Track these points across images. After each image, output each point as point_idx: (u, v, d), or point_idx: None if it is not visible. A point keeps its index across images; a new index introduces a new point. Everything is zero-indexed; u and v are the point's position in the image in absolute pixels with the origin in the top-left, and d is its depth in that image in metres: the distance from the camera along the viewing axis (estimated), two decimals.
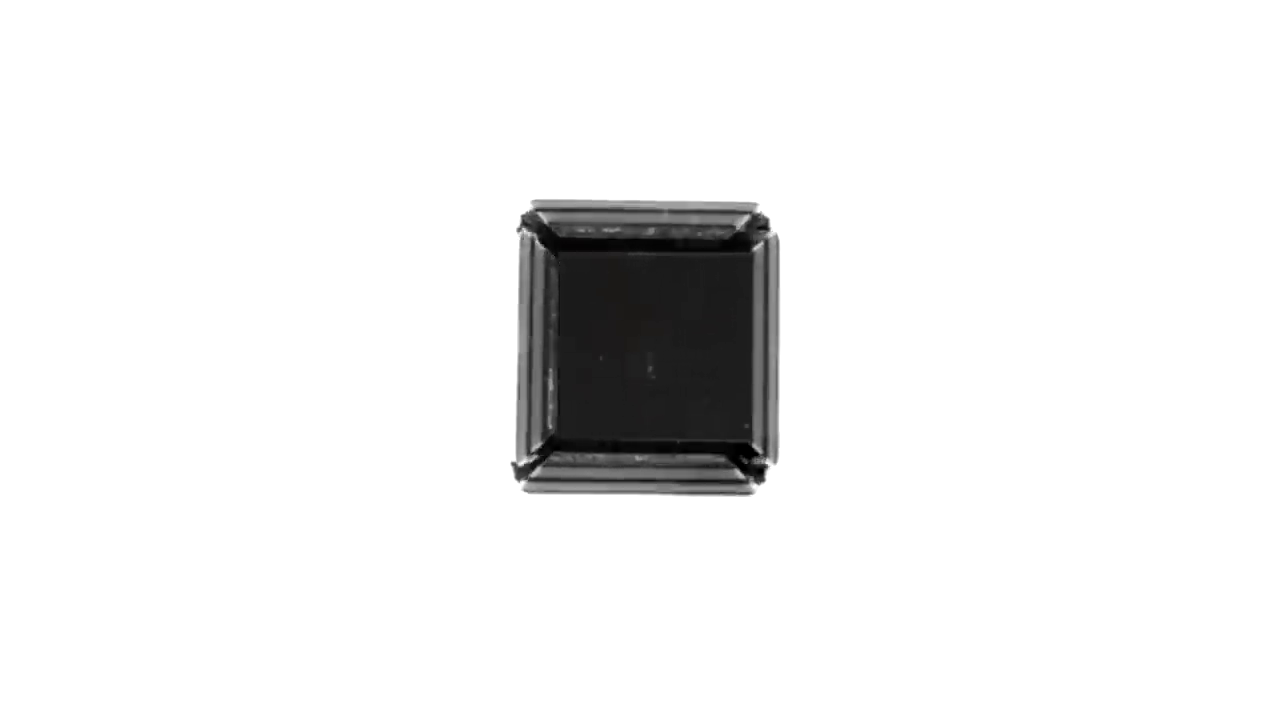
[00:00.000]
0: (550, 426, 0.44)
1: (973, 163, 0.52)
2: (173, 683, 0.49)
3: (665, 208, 0.44)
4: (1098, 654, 0.50)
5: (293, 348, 0.50)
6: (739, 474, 0.44)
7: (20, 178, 0.51)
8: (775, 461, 0.44)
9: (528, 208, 0.44)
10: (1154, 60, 0.52)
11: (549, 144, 0.51)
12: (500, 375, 0.47)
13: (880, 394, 0.50)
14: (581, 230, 0.44)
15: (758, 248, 0.44)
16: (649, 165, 0.50)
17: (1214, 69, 0.52)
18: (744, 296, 0.44)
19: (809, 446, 0.49)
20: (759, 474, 0.44)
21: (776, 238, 0.45)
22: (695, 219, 0.44)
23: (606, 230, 0.44)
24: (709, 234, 0.44)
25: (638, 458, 0.44)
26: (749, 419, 0.44)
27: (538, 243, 0.44)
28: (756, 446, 0.44)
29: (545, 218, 0.44)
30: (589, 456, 0.43)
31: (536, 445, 0.43)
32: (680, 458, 0.44)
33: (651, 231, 0.44)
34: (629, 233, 0.44)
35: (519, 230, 0.45)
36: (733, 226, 0.44)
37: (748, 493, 0.44)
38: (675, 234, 0.44)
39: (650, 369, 0.44)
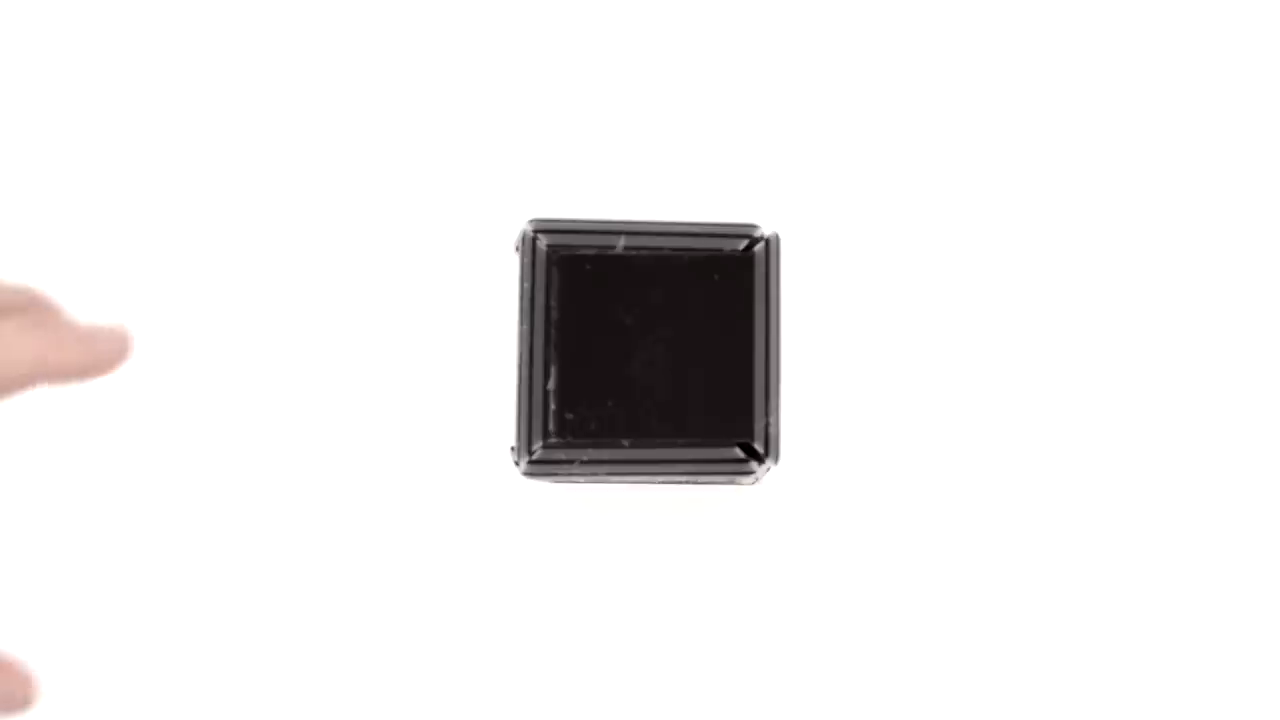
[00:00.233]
0: (550, 424, 0.43)
1: (972, 167, 0.52)
2: (181, 666, 0.49)
3: (664, 230, 0.44)
4: (1092, 649, 0.50)
5: (293, 350, 0.50)
6: (741, 454, 0.44)
7: (31, 184, 0.51)
8: (777, 461, 0.44)
9: (526, 225, 0.44)
10: (1146, 75, 0.52)
11: (550, 148, 0.51)
12: (502, 373, 0.47)
13: (879, 393, 0.50)
14: (580, 250, 0.44)
15: (758, 247, 0.44)
16: (650, 164, 0.50)
17: (1211, 72, 0.52)
18: (745, 295, 0.44)
19: (809, 444, 0.49)
20: (760, 460, 0.44)
21: (777, 237, 0.45)
22: (694, 241, 0.44)
23: (605, 252, 0.44)
24: (707, 257, 0.44)
25: (635, 446, 0.43)
26: (751, 417, 0.44)
27: (539, 244, 0.44)
28: (758, 445, 0.44)
29: (543, 240, 0.44)
30: (587, 442, 0.43)
31: (537, 440, 0.43)
32: (680, 450, 0.44)
33: (649, 253, 0.44)
34: (631, 253, 0.44)
35: (516, 250, 0.45)
36: (735, 250, 0.44)
37: (748, 473, 0.44)
38: (673, 256, 0.44)
39: (650, 368, 0.44)
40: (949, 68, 0.52)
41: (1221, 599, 0.50)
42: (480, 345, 0.49)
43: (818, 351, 0.50)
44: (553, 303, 0.44)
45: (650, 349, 0.44)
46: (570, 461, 0.44)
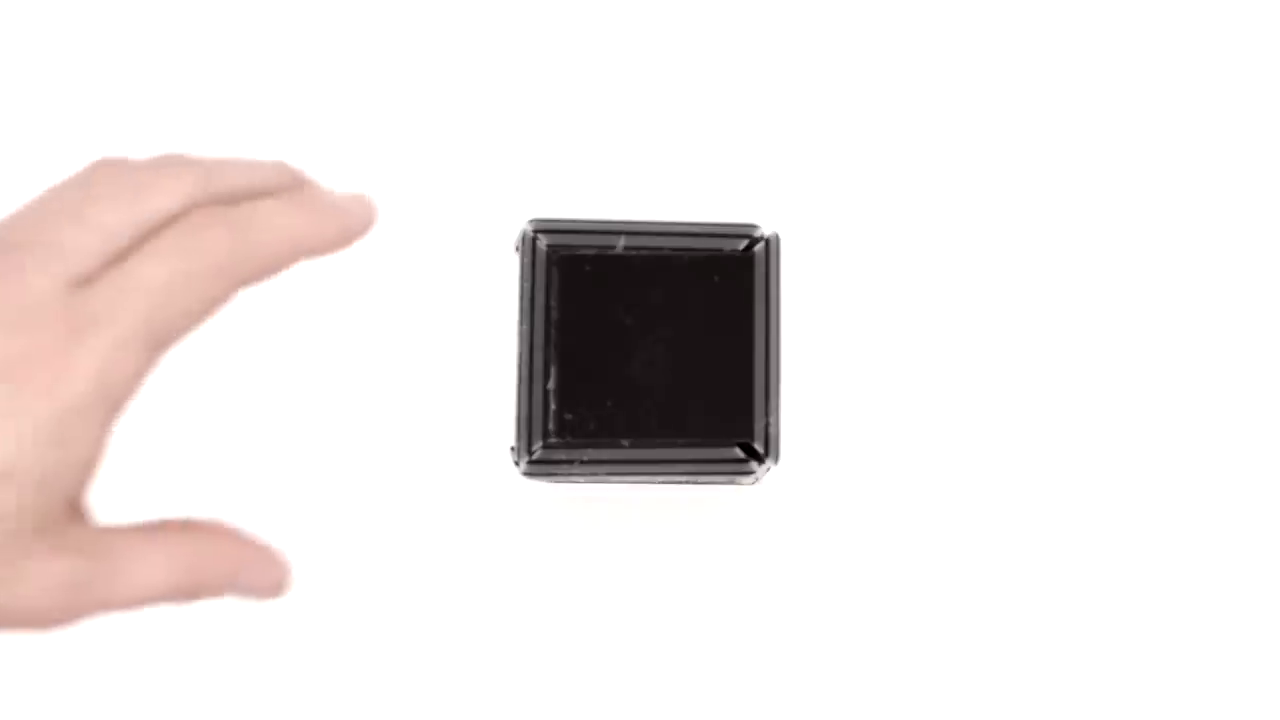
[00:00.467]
0: (550, 423, 0.43)
1: (972, 167, 0.52)
2: (180, 665, 0.49)
3: (664, 230, 0.44)
4: (1092, 647, 0.50)
5: (293, 350, 0.50)
6: (741, 454, 0.44)
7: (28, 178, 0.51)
8: (777, 461, 0.44)
9: (526, 225, 0.44)
10: (1146, 75, 0.52)
11: (549, 148, 0.51)
12: (502, 373, 0.47)
13: (878, 393, 0.50)
14: (580, 250, 0.44)
15: (759, 247, 0.44)
16: (650, 164, 0.50)
17: (1211, 72, 0.52)
18: (745, 295, 0.44)
19: (809, 444, 0.49)
20: (760, 460, 0.44)
21: (777, 236, 0.45)
22: (694, 241, 0.44)
23: (605, 251, 0.44)
24: (707, 256, 0.44)
25: (635, 446, 0.43)
26: (750, 417, 0.44)
27: (539, 244, 0.44)
28: (758, 445, 0.44)
29: (543, 240, 0.44)
30: (587, 442, 0.43)
31: (537, 440, 0.43)
32: (680, 450, 0.44)
33: (649, 253, 0.44)
34: (631, 253, 0.44)
35: (516, 250, 0.44)
36: (735, 250, 0.44)
37: (748, 473, 0.44)
38: (673, 256, 0.44)
39: (650, 368, 0.44)
40: (948, 68, 0.52)
41: (1221, 598, 0.50)
42: (480, 345, 0.49)
43: (817, 351, 0.50)
44: (553, 303, 0.44)
45: (650, 349, 0.44)
46: (570, 461, 0.44)
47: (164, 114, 0.52)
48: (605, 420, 0.44)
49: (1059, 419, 0.51)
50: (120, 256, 0.33)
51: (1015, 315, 0.51)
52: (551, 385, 0.44)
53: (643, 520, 0.50)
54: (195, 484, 0.48)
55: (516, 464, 0.44)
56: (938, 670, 0.50)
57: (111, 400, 0.32)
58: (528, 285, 0.44)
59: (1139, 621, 0.50)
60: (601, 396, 0.44)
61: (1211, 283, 0.52)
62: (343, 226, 0.37)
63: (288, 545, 0.46)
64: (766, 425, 0.44)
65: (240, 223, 0.35)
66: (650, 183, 0.48)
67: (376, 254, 0.50)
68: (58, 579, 0.32)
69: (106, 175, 0.35)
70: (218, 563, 0.36)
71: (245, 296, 0.37)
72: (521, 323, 0.44)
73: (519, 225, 0.45)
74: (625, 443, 0.44)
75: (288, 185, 0.38)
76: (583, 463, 0.44)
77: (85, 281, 0.33)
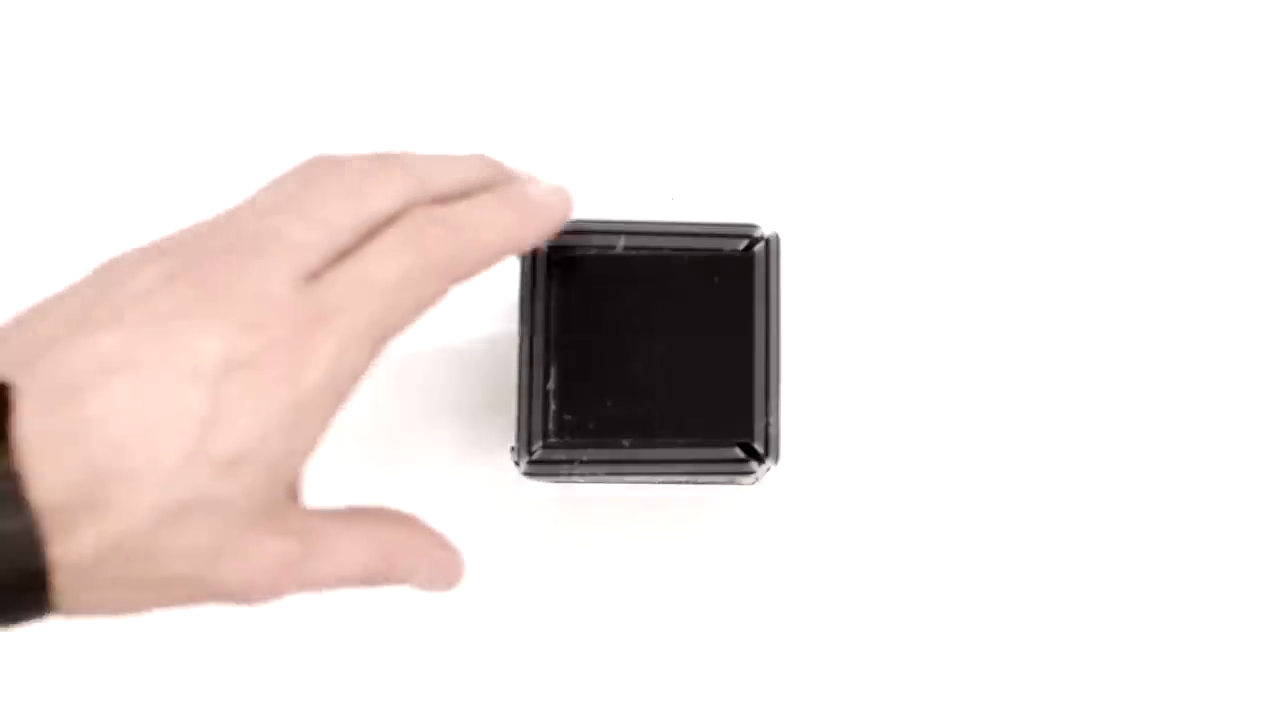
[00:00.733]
0: (550, 424, 0.43)
1: (973, 166, 0.52)
2: (178, 665, 0.49)
3: (663, 230, 0.44)
4: (1093, 645, 0.50)
5: None
6: (741, 454, 0.43)
7: (27, 183, 0.51)
8: (777, 461, 0.44)
9: None
10: (1146, 75, 0.52)
11: (549, 149, 0.51)
12: (502, 373, 0.47)
13: (879, 393, 0.50)
14: (580, 251, 0.44)
15: (759, 247, 0.44)
16: (650, 164, 0.50)
17: (1211, 72, 0.52)
18: (745, 295, 0.44)
19: (809, 444, 0.49)
20: (760, 460, 0.43)
21: (777, 236, 0.45)
22: (694, 241, 0.44)
23: (605, 252, 0.44)
24: (707, 256, 0.44)
25: (635, 446, 0.43)
26: (751, 417, 0.43)
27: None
28: (758, 445, 0.43)
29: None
30: (587, 442, 0.43)
31: (537, 440, 0.43)
32: (680, 450, 0.43)
33: (649, 252, 0.44)
34: (630, 253, 0.44)
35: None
36: (735, 250, 0.44)
37: (748, 473, 0.43)
38: (673, 255, 0.44)
39: (651, 368, 0.44)
40: (949, 67, 0.52)
41: (1221, 599, 0.50)
42: (480, 345, 0.49)
43: (817, 351, 0.50)
44: (553, 303, 0.44)
45: (650, 349, 0.44)
46: (570, 462, 0.44)
47: (164, 116, 0.52)
48: (605, 420, 0.44)
49: (1060, 418, 0.51)
50: (343, 253, 0.35)
51: (1016, 315, 0.51)
52: (551, 385, 0.44)
53: (642, 520, 0.50)
54: None
55: (517, 464, 0.44)
56: (939, 670, 0.50)
57: (338, 391, 0.35)
58: (528, 285, 0.44)
59: (1141, 621, 0.50)
60: (601, 397, 0.44)
61: (1211, 282, 0.52)
62: (547, 220, 0.40)
63: None
64: (766, 425, 0.44)
65: (459, 223, 0.37)
66: (650, 183, 0.48)
67: None
68: (273, 558, 0.35)
69: (326, 174, 0.37)
70: (408, 553, 0.39)
71: None
72: (521, 323, 0.44)
73: None
74: (625, 443, 0.44)
75: (491, 177, 0.40)
76: (583, 463, 0.44)
77: (313, 277, 0.35)
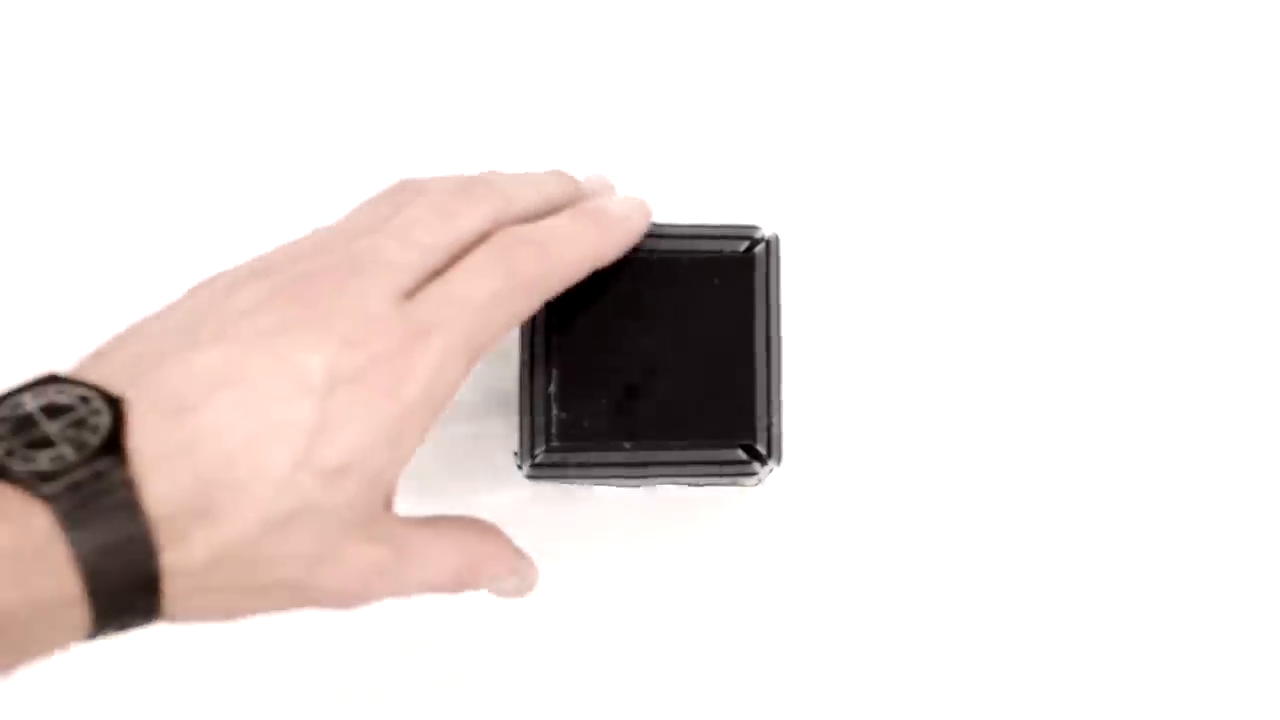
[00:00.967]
0: (552, 427, 0.43)
1: (973, 167, 0.52)
2: (180, 666, 0.49)
3: (663, 232, 0.44)
4: (1096, 644, 0.50)
5: None
6: (743, 455, 0.43)
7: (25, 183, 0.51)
8: (780, 462, 0.44)
9: None
10: (1146, 76, 0.52)
11: (549, 152, 0.51)
12: (503, 377, 0.47)
13: (881, 393, 0.50)
14: None
15: (759, 249, 0.44)
16: (650, 166, 0.50)
17: (1211, 72, 0.52)
18: (746, 296, 0.44)
19: (811, 445, 0.49)
20: (763, 461, 0.43)
21: (777, 237, 0.45)
22: (694, 243, 0.44)
23: None
24: (707, 258, 0.44)
25: (637, 449, 0.43)
26: (753, 418, 0.43)
27: None
28: (760, 447, 0.43)
29: None
30: (589, 445, 0.43)
31: (540, 444, 0.43)
32: (682, 452, 0.43)
33: (649, 255, 0.44)
34: (631, 256, 0.44)
35: None
36: (736, 251, 0.44)
37: (751, 474, 0.43)
38: (674, 258, 0.44)
39: (652, 370, 0.44)
40: (949, 68, 0.52)
41: (1231, 605, 0.50)
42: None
43: (818, 352, 0.50)
44: (553, 306, 0.44)
45: (651, 351, 0.44)
46: (573, 465, 0.44)
47: (165, 116, 0.51)
48: (607, 423, 0.44)
49: (1062, 418, 0.51)
50: (436, 272, 0.37)
51: (1018, 316, 0.51)
52: (553, 389, 0.44)
53: (645, 521, 0.50)
54: None
55: (520, 467, 0.44)
56: (942, 671, 0.49)
57: (435, 404, 0.36)
58: None
59: (1143, 622, 0.50)
60: (603, 399, 0.44)
61: (1212, 283, 0.52)
62: (628, 233, 0.42)
63: None
64: (769, 426, 0.44)
65: (546, 242, 0.39)
66: (649, 185, 0.47)
67: None
68: (368, 565, 0.36)
69: (415, 195, 0.39)
70: (490, 563, 0.41)
71: None
72: (522, 326, 0.44)
73: None
74: (628, 445, 0.44)
75: (569, 191, 0.42)
76: (586, 465, 0.44)
77: (409, 295, 0.36)
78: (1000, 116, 0.52)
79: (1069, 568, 0.50)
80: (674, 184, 0.50)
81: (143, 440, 0.32)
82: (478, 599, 0.48)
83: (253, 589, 0.35)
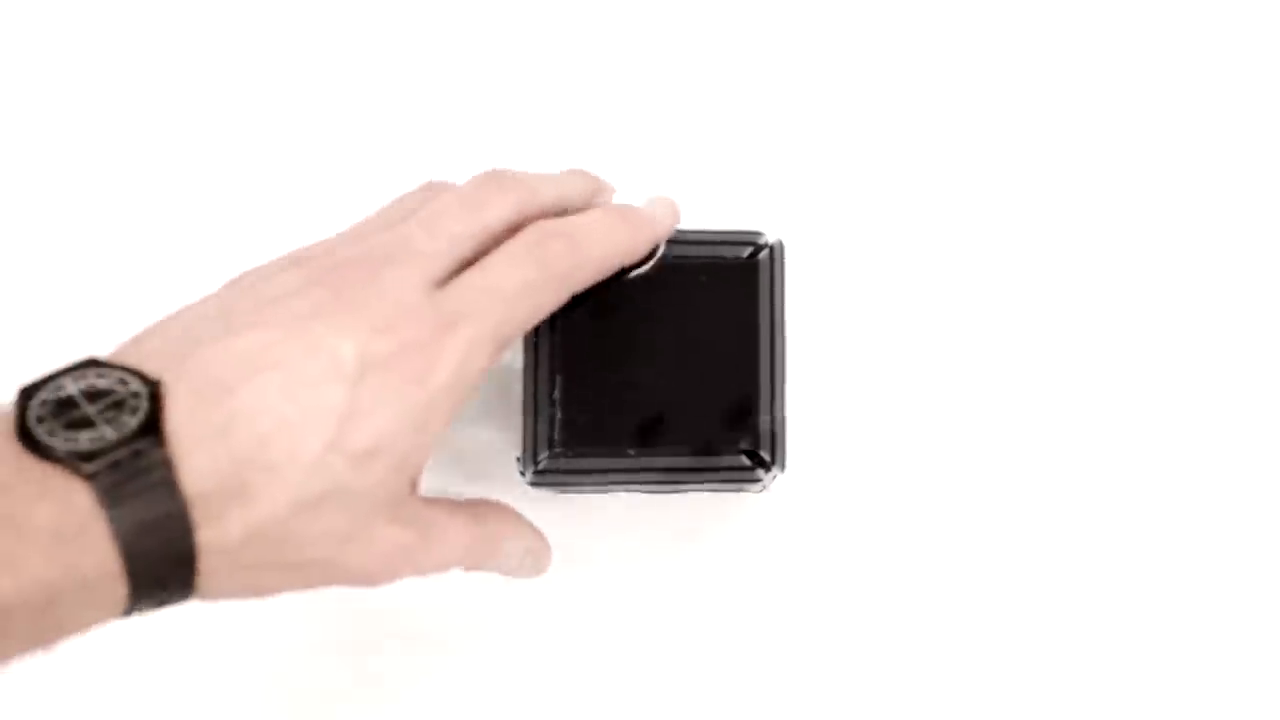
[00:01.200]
0: (555, 434, 0.43)
1: (977, 172, 0.52)
2: (183, 664, 0.48)
3: (670, 238, 0.44)
4: (1106, 650, 0.50)
5: None
6: (748, 461, 0.43)
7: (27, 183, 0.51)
8: (783, 469, 0.43)
9: None
10: (1146, 80, 0.52)
11: (550, 157, 0.50)
12: (507, 382, 0.47)
13: (885, 399, 0.50)
14: None
15: (763, 255, 0.44)
16: (651, 172, 0.50)
17: (1211, 72, 0.52)
18: (750, 302, 0.44)
19: (814, 449, 0.49)
20: (767, 467, 0.43)
21: (781, 243, 0.45)
22: (698, 249, 0.44)
23: None
24: (711, 264, 0.44)
25: (642, 455, 0.43)
26: (757, 424, 0.43)
27: None
28: (764, 453, 0.43)
29: None
30: (593, 451, 0.43)
31: (543, 450, 0.43)
32: (687, 458, 0.43)
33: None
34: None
35: None
36: (739, 257, 0.44)
37: (755, 480, 0.43)
38: (678, 264, 0.44)
39: (656, 376, 0.43)
40: (951, 71, 0.52)
41: (1244, 614, 0.50)
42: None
43: (822, 358, 0.50)
44: (556, 312, 0.43)
45: (655, 357, 0.44)
46: (576, 471, 0.44)
47: (166, 118, 0.52)
48: (611, 430, 0.44)
49: (1068, 423, 0.51)
50: (465, 262, 0.38)
51: (1023, 320, 0.51)
52: (557, 395, 0.44)
53: (648, 527, 0.49)
54: None
55: (523, 474, 0.44)
56: (950, 676, 0.49)
57: (462, 391, 0.37)
58: None
59: (1156, 625, 0.50)
60: (607, 406, 0.44)
61: (1219, 282, 0.51)
62: (657, 231, 0.43)
63: None
64: (773, 432, 0.44)
65: (577, 236, 0.40)
66: (655, 190, 0.47)
67: None
68: (394, 545, 0.37)
69: (442, 189, 0.40)
70: (506, 543, 0.42)
71: None
72: (526, 333, 0.44)
73: None
74: (631, 452, 0.44)
75: (591, 188, 0.43)
76: (589, 472, 0.44)
77: (439, 284, 0.37)
78: (1003, 119, 0.52)
79: (1074, 571, 0.50)
80: (678, 190, 0.50)
81: (180, 422, 0.33)
82: (485, 601, 0.48)
83: (284, 566, 0.36)
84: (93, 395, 0.33)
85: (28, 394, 0.33)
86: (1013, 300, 0.51)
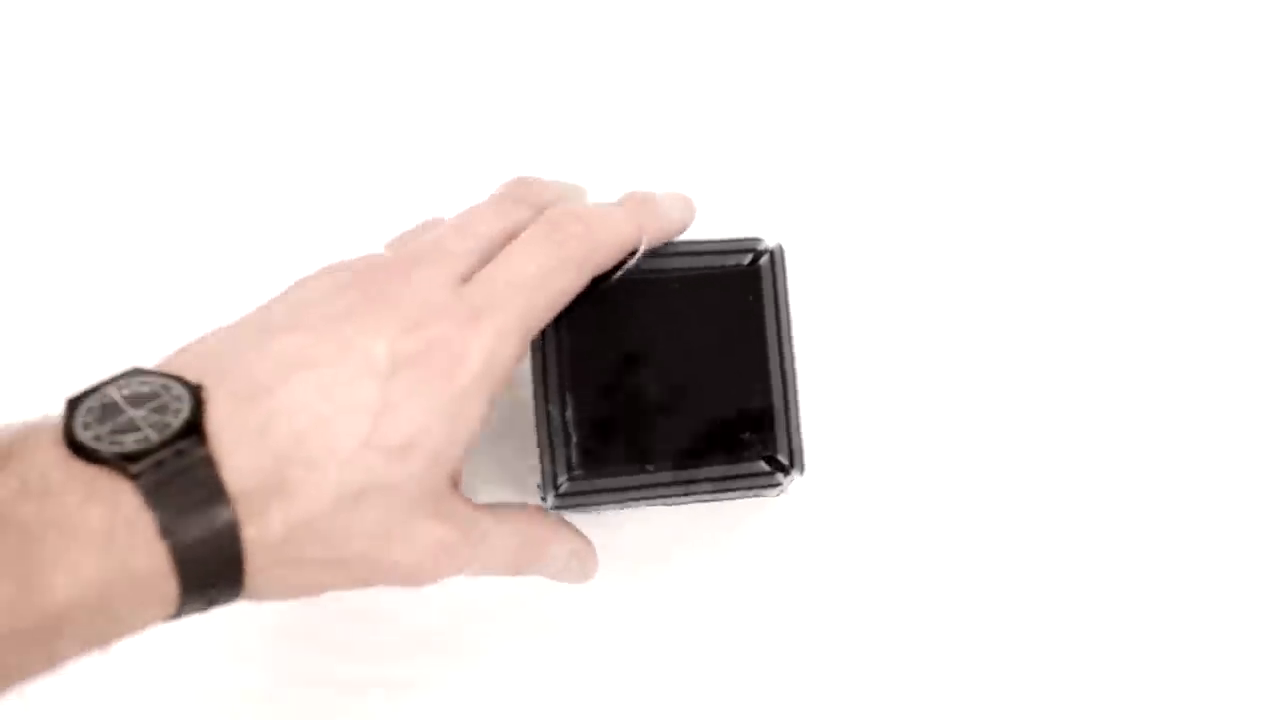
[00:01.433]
0: (572, 455, 0.43)
1: (980, 173, 0.53)
2: (195, 663, 0.48)
3: (666, 251, 0.45)
4: (1127, 655, 0.49)
5: None
6: (766, 467, 0.43)
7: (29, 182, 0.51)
8: (802, 472, 0.43)
9: None
10: (1146, 80, 0.53)
11: (552, 163, 0.51)
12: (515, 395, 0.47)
13: (894, 399, 0.50)
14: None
15: (763, 260, 0.44)
16: (653, 179, 0.50)
17: (1212, 72, 0.53)
18: (755, 308, 0.44)
19: (827, 451, 0.49)
20: (786, 471, 0.43)
21: (781, 248, 0.45)
22: (698, 260, 0.44)
23: (610, 278, 0.43)
24: (712, 273, 0.44)
25: (661, 469, 0.43)
26: (773, 429, 0.43)
27: None
28: (782, 457, 0.43)
29: None
30: (612, 470, 0.43)
31: (562, 473, 0.42)
32: (706, 469, 0.43)
33: (654, 274, 0.44)
34: (636, 276, 0.43)
35: None
36: (740, 265, 0.44)
37: (775, 485, 0.43)
38: (679, 275, 0.44)
39: (667, 389, 0.43)
40: (950, 75, 0.53)
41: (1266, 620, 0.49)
42: None
43: (825, 359, 0.50)
44: (563, 333, 0.43)
45: (665, 370, 0.44)
46: (597, 491, 0.43)
47: (169, 118, 0.52)
48: (627, 446, 0.44)
49: (1076, 423, 0.51)
50: (489, 256, 0.40)
51: (1026, 318, 0.52)
52: (569, 415, 0.43)
53: (664, 532, 0.49)
54: None
55: (544, 499, 0.43)
56: (968, 678, 0.49)
57: (493, 383, 0.38)
58: None
59: (1175, 628, 0.49)
60: (621, 424, 0.44)
61: (1226, 280, 0.51)
62: (674, 221, 0.44)
63: None
64: (789, 436, 0.44)
65: (592, 219, 0.41)
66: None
67: None
68: (435, 542, 0.38)
69: (476, 204, 0.43)
70: (551, 547, 0.43)
71: (245, 302, 0.39)
72: (533, 355, 0.44)
73: None
74: (650, 466, 0.43)
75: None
76: (610, 491, 0.43)
77: (465, 280, 0.39)
78: (1001, 118, 0.53)
79: (1094, 572, 0.50)
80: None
81: (221, 423, 0.34)
82: (503, 612, 0.48)
83: (328, 563, 0.36)
84: (136, 400, 0.35)
85: (74, 403, 0.35)
86: (1016, 295, 0.51)
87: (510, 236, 0.41)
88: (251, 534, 0.34)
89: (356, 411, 0.36)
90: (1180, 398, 0.51)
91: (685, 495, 0.44)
